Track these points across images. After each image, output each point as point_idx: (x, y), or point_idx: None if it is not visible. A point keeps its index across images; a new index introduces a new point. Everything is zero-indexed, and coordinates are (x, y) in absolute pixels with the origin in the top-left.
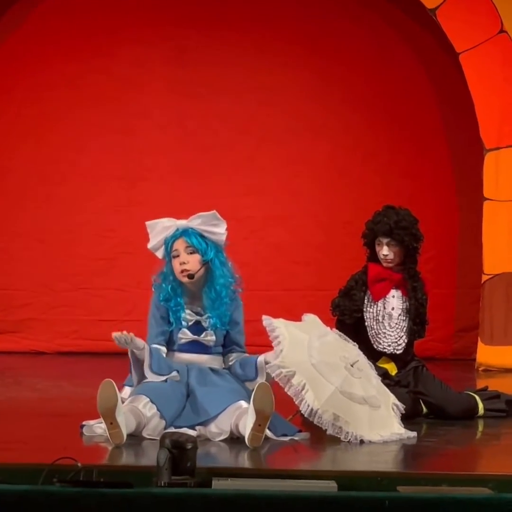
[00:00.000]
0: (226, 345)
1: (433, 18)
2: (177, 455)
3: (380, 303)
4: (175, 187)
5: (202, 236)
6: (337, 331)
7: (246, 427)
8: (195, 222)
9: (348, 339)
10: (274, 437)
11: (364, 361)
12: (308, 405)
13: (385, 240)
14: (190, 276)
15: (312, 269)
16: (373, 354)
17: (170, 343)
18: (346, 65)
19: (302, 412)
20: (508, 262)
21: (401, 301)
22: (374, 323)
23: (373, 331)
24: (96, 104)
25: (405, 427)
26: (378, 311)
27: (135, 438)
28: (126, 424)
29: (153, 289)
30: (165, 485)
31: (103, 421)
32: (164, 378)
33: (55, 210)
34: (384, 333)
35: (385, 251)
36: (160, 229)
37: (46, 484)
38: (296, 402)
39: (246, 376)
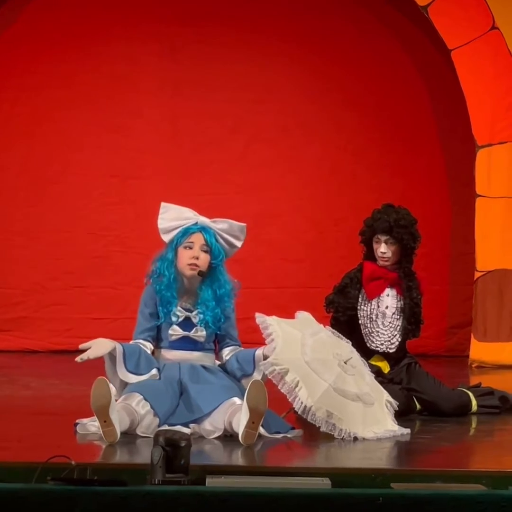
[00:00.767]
0: (220, 340)
1: (425, 15)
2: (171, 452)
3: (374, 302)
4: (167, 185)
5: (217, 241)
6: (330, 328)
7: (240, 425)
8: (220, 225)
9: (341, 336)
10: (268, 435)
11: (357, 358)
12: (302, 402)
13: (383, 238)
14: (201, 273)
15: (304, 267)
16: (366, 352)
17: (159, 340)
18: (338, 63)
19: (295, 409)
20: (500, 259)
21: (396, 300)
22: (368, 321)
23: (366, 330)
24: (88, 103)
25: (398, 424)
26: (372, 310)
27: (129, 436)
28: (119, 422)
29: (149, 278)
30: (159, 483)
31: (96, 419)
32: (143, 377)
33: (48, 208)
34: (378, 331)
35: (383, 248)
36: (175, 214)
37: (39, 483)
38: (289, 400)
39: (244, 370)
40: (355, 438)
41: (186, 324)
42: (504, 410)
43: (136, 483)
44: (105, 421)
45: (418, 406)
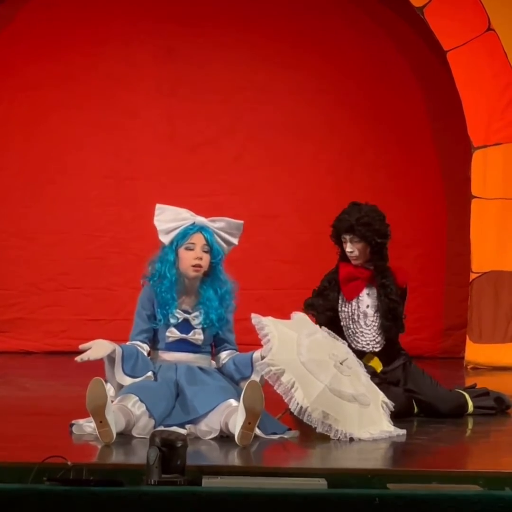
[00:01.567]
0: (217, 344)
1: (421, 16)
2: (167, 453)
3: (354, 302)
4: (163, 186)
5: (215, 239)
6: (326, 329)
7: (236, 425)
8: (218, 224)
9: (337, 337)
10: (264, 436)
11: (353, 359)
12: (298, 403)
13: (348, 237)
14: (204, 273)
15: (300, 268)
16: (357, 353)
17: (156, 342)
18: (333, 64)
19: (291, 410)
20: (496, 260)
21: (375, 298)
22: (350, 322)
23: (349, 331)
24: (85, 103)
25: (395, 425)
26: (353, 311)
27: (125, 436)
28: (115, 423)
29: (147, 280)
30: (155, 483)
31: (92, 419)
32: (138, 380)
33: (44, 209)
34: (361, 332)
35: (348, 248)
36: (172, 215)
37: (35, 483)
38: (285, 400)
39: (241, 373)
40: (351, 439)
41: (184, 326)
42: (499, 411)
43: (132, 484)
44: (101, 421)
45: (416, 408)
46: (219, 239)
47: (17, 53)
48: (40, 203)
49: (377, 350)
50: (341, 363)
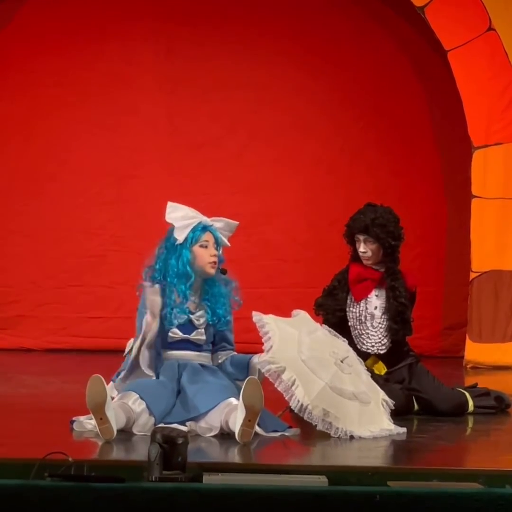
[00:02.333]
0: (216, 343)
1: (422, 16)
2: (168, 450)
3: (362, 303)
4: (163, 184)
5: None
6: (326, 327)
7: (236, 423)
8: (218, 224)
9: (338, 335)
10: (264, 433)
11: (354, 357)
12: (298, 401)
13: (362, 237)
14: (223, 271)
15: (300, 267)
16: (359, 354)
17: (160, 341)
18: (335, 63)
19: (292, 407)
20: (496, 260)
21: (384, 300)
22: (357, 323)
23: (356, 332)
24: (84, 101)
25: (395, 423)
26: (360, 311)
27: (125, 433)
28: (116, 420)
29: (155, 280)
30: (156, 480)
31: (93, 416)
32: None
33: (44, 207)
34: (368, 333)
35: (362, 248)
36: (183, 213)
37: (37, 479)
38: (286, 398)
39: (237, 376)
40: (352, 437)
41: (187, 326)
42: (499, 410)
43: (133, 480)
44: (102, 418)
45: (416, 406)
46: (219, 239)
47: (16, 50)
48: (40, 201)
49: (382, 352)
50: (341, 361)
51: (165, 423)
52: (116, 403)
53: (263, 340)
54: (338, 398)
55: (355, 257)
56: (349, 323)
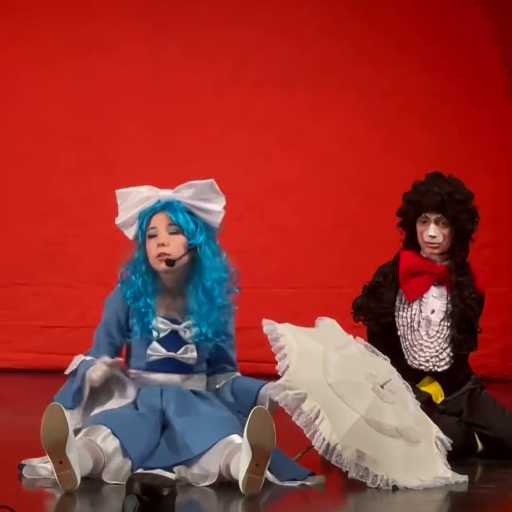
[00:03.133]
0: (213, 363)
1: None
2: (150, 504)
3: (415, 305)
4: (146, 149)
5: (191, 214)
6: (362, 340)
7: (240, 468)
8: (184, 193)
9: (377, 351)
10: (278, 482)
11: (398, 381)
12: (324, 439)
13: (433, 217)
14: (170, 262)
15: (325, 259)
16: (409, 373)
17: (133, 360)
18: None
19: (315, 448)
20: None
21: (445, 302)
22: (408, 331)
23: (407, 342)
24: (38, 35)
25: (452, 469)
26: (413, 316)
27: (92, 482)
28: (80, 464)
29: (118, 287)
30: None
31: (49, 459)
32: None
33: None
34: (421, 344)
35: (432, 231)
36: (135, 200)
37: None
38: (307, 435)
39: (241, 407)
40: (395, 487)
41: (172, 340)
42: None
43: None
44: (61, 462)
45: (480, 445)
46: (195, 211)
47: None
48: None
49: (440, 369)
50: (382, 386)
51: (145, 469)
52: (80, 441)
53: (276, 357)
54: (377, 435)
55: (409, 245)
56: (398, 332)
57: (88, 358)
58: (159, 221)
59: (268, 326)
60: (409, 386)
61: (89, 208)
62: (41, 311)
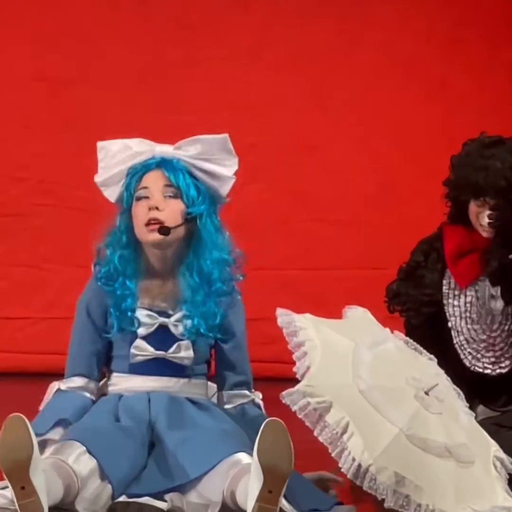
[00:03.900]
0: (219, 373)
1: None
2: None
3: (470, 291)
4: (131, 94)
5: (192, 176)
6: (401, 335)
7: (249, 496)
8: (188, 150)
9: (421, 349)
10: None
11: (447, 386)
12: (354, 459)
13: (493, 202)
14: (164, 230)
15: (353, 235)
16: (462, 377)
17: (114, 361)
18: None
19: (343, 470)
20: None
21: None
22: (463, 324)
23: (460, 339)
24: None
25: None
26: (466, 305)
27: None
28: (47, 490)
29: (90, 280)
30: None
31: (9, 484)
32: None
33: None
34: (483, 340)
35: (488, 217)
36: (122, 155)
37: None
38: (333, 454)
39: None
40: None
41: (161, 337)
42: None
43: None
44: (23, 488)
45: None
46: (198, 174)
47: None
48: None
49: (504, 371)
50: (426, 393)
51: (129, 496)
52: (48, 462)
53: (294, 356)
54: (421, 454)
55: (456, 219)
56: (449, 324)
57: (64, 386)
58: (153, 180)
59: (284, 317)
60: (461, 393)
61: (59, 170)
62: None
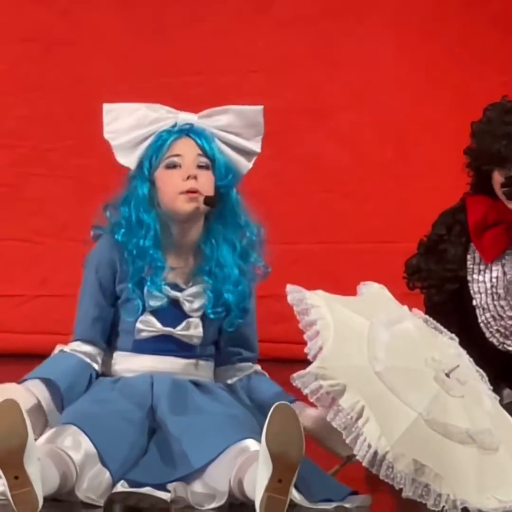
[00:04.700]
0: (225, 344)
1: None
2: None
3: (496, 266)
4: (128, 54)
5: (219, 148)
6: (420, 313)
7: (257, 485)
8: (217, 120)
9: (441, 328)
10: (307, 504)
11: (469, 368)
12: (369, 446)
13: None
14: (210, 201)
15: (368, 207)
16: (486, 358)
17: (117, 338)
18: None
19: (358, 457)
20: None
21: None
22: (489, 301)
23: (487, 316)
24: None
25: None
26: (493, 280)
27: (59, 504)
28: (43, 480)
29: (102, 238)
30: None
31: (1, 474)
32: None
33: None
34: (510, 317)
35: (504, 184)
36: (135, 118)
37: None
38: (347, 440)
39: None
40: (465, 510)
41: (169, 313)
42: None
43: None
44: (17, 477)
45: None
46: (225, 148)
47: None
48: None
49: None
50: (447, 375)
51: (130, 485)
52: (43, 448)
53: (306, 336)
54: (441, 441)
55: (479, 189)
56: (473, 302)
57: (67, 349)
58: (187, 148)
59: (295, 294)
60: (485, 375)
61: (52, 136)
62: None
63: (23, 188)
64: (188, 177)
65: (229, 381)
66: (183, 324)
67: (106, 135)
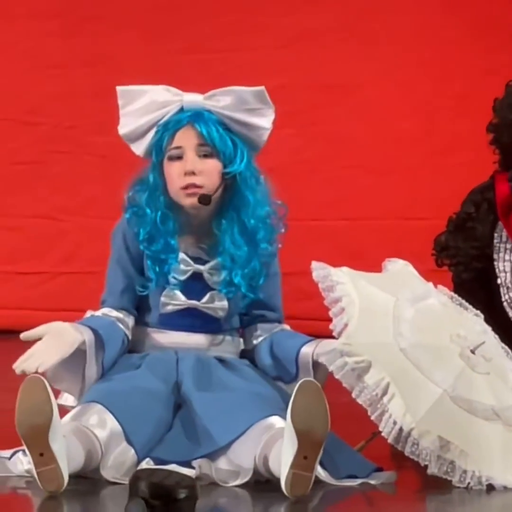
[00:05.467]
0: (249, 310)
1: None
2: (161, 511)
3: None
4: (151, 31)
5: (227, 129)
6: (446, 290)
7: (282, 462)
8: (221, 100)
9: (467, 304)
10: (333, 481)
11: (495, 345)
12: (395, 423)
13: None
14: (204, 199)
15: (393, 183)
16: (511, 336)
17: (143, 313)
18: None
19: (383, 434)
20: None
21: None
22: None
23: (510, 295)
24: None
25: None
26: None
27: (84, 481)
28: (68, 457)
29: (123, 215)
30: None
31: (26, 451)
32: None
33: None
34: None
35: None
36: (146, 103)
37: None
38: (372, 417)
39: (280, 373)
40: (491, 487)
41: (193, 285)
42: None
43: None
44: (42, 454)
45: None
46: (234, 126)
47: None
48: None
49: None
50: (472, 352)
51: (155, 462)
52: (68, 426)
53: (331, 313)
54: (467, 417)
55: (507, 166)
56: (498, 281)
57: (98, 312)
58: (186, 139)
59: (320, 271)
60: (510, 351)
61: (76, 113)
62: (10, 252)
63: (46, 166)
64: (186, 173)
65: (254, 342)
66: (207, 296)
67: (121, 120)
